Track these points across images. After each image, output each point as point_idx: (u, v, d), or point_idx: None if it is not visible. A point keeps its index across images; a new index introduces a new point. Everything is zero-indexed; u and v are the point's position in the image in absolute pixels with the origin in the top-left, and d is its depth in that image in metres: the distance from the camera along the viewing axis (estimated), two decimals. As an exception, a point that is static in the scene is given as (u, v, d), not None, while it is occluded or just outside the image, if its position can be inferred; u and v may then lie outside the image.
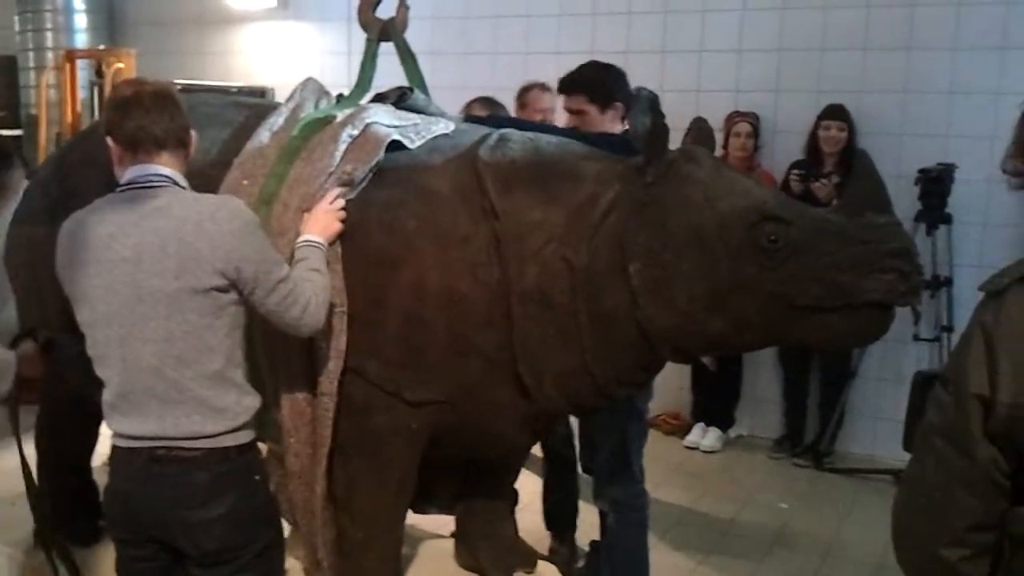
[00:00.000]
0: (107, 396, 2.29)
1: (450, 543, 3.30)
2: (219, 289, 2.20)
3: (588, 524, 3.85)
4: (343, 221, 2.53)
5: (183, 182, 2.30)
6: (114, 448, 2.31)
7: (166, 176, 2.26)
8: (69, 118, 6.67)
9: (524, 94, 4.64)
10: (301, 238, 2.47)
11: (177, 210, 2.20)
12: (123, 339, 2.21)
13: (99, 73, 6.72)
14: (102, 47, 7.23)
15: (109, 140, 2.29)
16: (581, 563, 3.93)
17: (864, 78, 5.54)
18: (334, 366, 2.53)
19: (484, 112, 4.23)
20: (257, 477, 2.36)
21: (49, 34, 7.39)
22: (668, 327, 2.45)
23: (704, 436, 5.83)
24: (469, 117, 3.32)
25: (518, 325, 2.51)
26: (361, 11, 3.04)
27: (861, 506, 4.99)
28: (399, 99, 2.94)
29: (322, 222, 2.49)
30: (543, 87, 4.69)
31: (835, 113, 5.40)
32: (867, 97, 5.50)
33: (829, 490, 5.23)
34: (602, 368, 2.53)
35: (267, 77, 7.14)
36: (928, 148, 5.32)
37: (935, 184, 5.11)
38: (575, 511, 4.07)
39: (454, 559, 3.24)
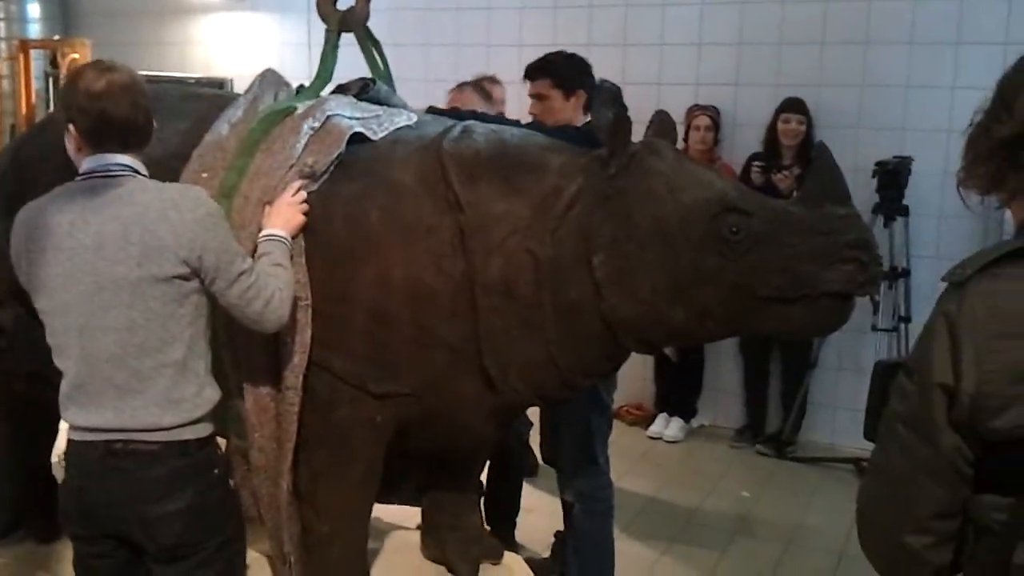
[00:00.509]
0: (64, 387, 2.25)
1: (416, 535, 3.29)
2: (182, 277, 2.19)
3: (548, 515, 3.87)
4: (306, 214, 2.52)
5: (143, 171, 2.28)
6: (69, 442, 2.28)
7: (127, 165, 2.24)
8: (24, 109, 6.57)
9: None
10: (263, 232, 2.45)
11: (140, 198, 2.19)
12: (83, 328, 2.19)
13: (54, 63, 6.63)
14: (56, 37, 7.12)
15: (71, 127, 2.24)
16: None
17: (822, 72, 5.60)
18: (299, 360, 2.51)
19: (476, 96, 4.28)
20: (216, 471, 2.33)
21: (1, 24, 7.26)
22: (631, 318, 2.46)
23: (667, 426, 5.87)
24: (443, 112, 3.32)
25: (483, 317, 2.51)
26: (320, 2, 3.01)
27: (823, 494, 5.06)
28: (361, 91, 2.92)
29: (284, 215, 2.47)
30: (493, 79, 4.72)
31: (795, 106, 5.46)
32: (825, 91, 5.56)
33: (791, 479, 5.30)
34: (567, 359, 2.54)
35: (226, 68, 7.08)
36: (885, 141, 5.40)
37: (892, 176, 5.19)
38: (516, 509, 4.03)
39: (420, 551, 3.24)
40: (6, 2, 7.24)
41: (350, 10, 3.00)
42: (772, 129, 5.53)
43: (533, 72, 3.55)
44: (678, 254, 2.41)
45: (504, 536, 3.92)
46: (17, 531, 3.53)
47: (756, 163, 5.47)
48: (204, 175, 2.64)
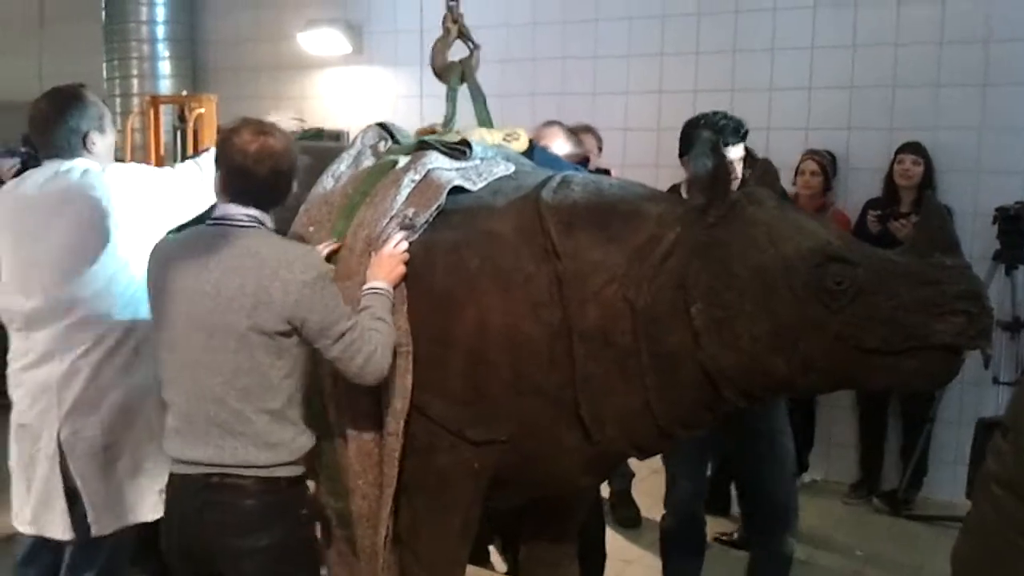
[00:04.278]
0: (171, 420, 2.38)
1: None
2: (283, 334, 2.32)
3: (649, 567, 3.79)
4: (407, 263, 2.58)
5: (270, 224, 2.43)
6: (171, 476, 2.40)
7: (255, 218, 2.39)
8: (153, 161, 6.88)
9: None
10: (367, 285, 2.53)
11: (262, 253, 2.33)
12: (193, 366, 2.32)
13: (181, 118, 6.91)
14: (184, 93, 7.47)
15: (219, 170, 2.41)
16: None
17: (938, 114, 5.45)
18: (400, 406, 2.56)
19: (591, 137, 4.30)
20: (304, 511, 2.44)
21: (135, 80, 7.67)
22: (731, 367, 2.42)
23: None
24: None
25: (580, 365, 2.51)
26: (436, 58, 3.10)
27: (940, 554, 4.77)
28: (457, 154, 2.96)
29: (386, 267, 2.55)
30: (587, 128, 4.74)
31: (910, 148, 5.31)
32: (942, 134, 5.40)
33: (907, 537, 5.07)
34: (664, 408, 2.51)
35: (342, 120, 7.30)
36: (1006, 185, 5.18)
37: (1014, 222, 4.96)
38: (603, 557, 3.87)
39: (519, 601, 3.23)
40: (139, 60, 7.66)
41: (465, 60, 3.09)
42: (890, 174, 5.39)
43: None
44: (780, 304, 2.36)
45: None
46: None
47: (872, 211, 5.33)
48: (311, 228, 2.74)
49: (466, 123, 3.14)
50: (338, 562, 2.83)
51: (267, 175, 2.38)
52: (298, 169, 2.50)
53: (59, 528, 3.05)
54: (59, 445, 2.98)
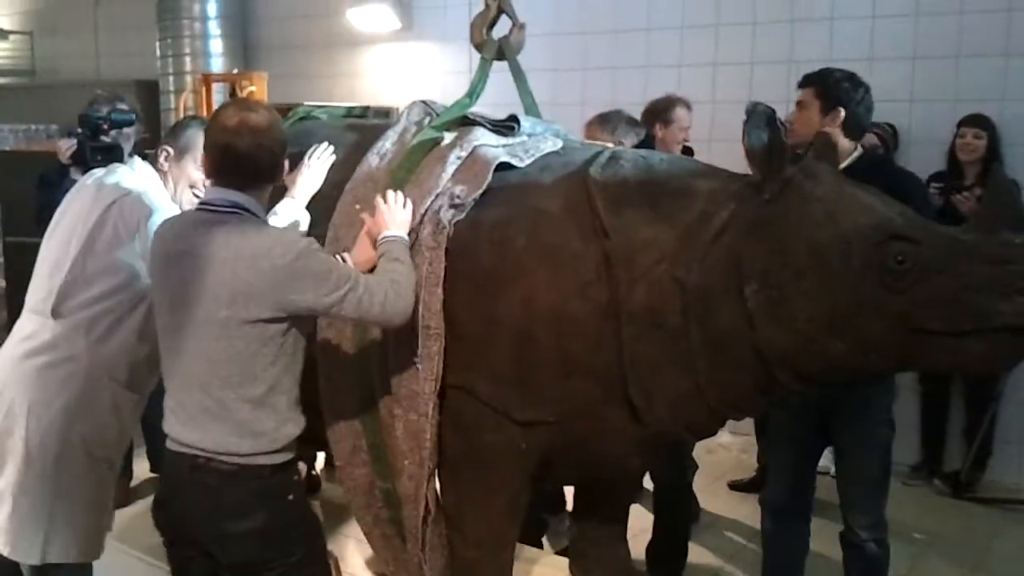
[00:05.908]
0: (168, 400, 2.39)
1: (564, 562, 3.27)
2: (267, 321, 2.25)
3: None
4: (453, 242, 2.55)
5: (257, 210, 2.35)
6: (166, 451, 2.39)
7: (239, 204, 2.31)
8: (206, 140, 6.93)
9: (669, 111, 4.50)
10: (380, 235, 2.52)
11: (236, 241, 2.26)
12: (180, 352, 2.32)
13: (233, 95, 6.97)
14: (236, 71, 7.52)
15: (204, 152, 2.38)
16: None
17: (1005, 85, 5.24)
18: (430, 388, 2.56)
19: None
20: (291, 497, 2.38)
21: (187, 59, 7.74)
22: (786, 349, 2.35)
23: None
24: None
25: (628, 345, 2.46)
26: (474, 33, 3.05)
27: (1005, 539, 4.70)
28: (506, 129, 2.92)
29: (396, 218, 2.54)
30: (686, 104, 4.56)
31: (972, 121, 5.13)
32: (1009, 105, 5.20)
33: (969, 521, 4.94)
34: (715, 391, 2.45)
35: (391, 97, 7.27)
36: (1079, 159, 5.00)
37: (1087, 197, 4.79)
38: (684, 552, 3.83)
39: (569, 578, 3.21)
40: (191, 39, 7.72)
41: (504, 38, 3.03)
42: (953, 148, 5.22)
43: (804, 80, 3.30)
44: (838, 283, 2.28)
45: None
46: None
47: (934, 184, 5.17)
48: (357, 207, 2.72)
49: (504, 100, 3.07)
50: (383, 545, 2.83)
51: (248, 149, 2.28)
52: (287, 148, 2.40)
53: None
54: None
